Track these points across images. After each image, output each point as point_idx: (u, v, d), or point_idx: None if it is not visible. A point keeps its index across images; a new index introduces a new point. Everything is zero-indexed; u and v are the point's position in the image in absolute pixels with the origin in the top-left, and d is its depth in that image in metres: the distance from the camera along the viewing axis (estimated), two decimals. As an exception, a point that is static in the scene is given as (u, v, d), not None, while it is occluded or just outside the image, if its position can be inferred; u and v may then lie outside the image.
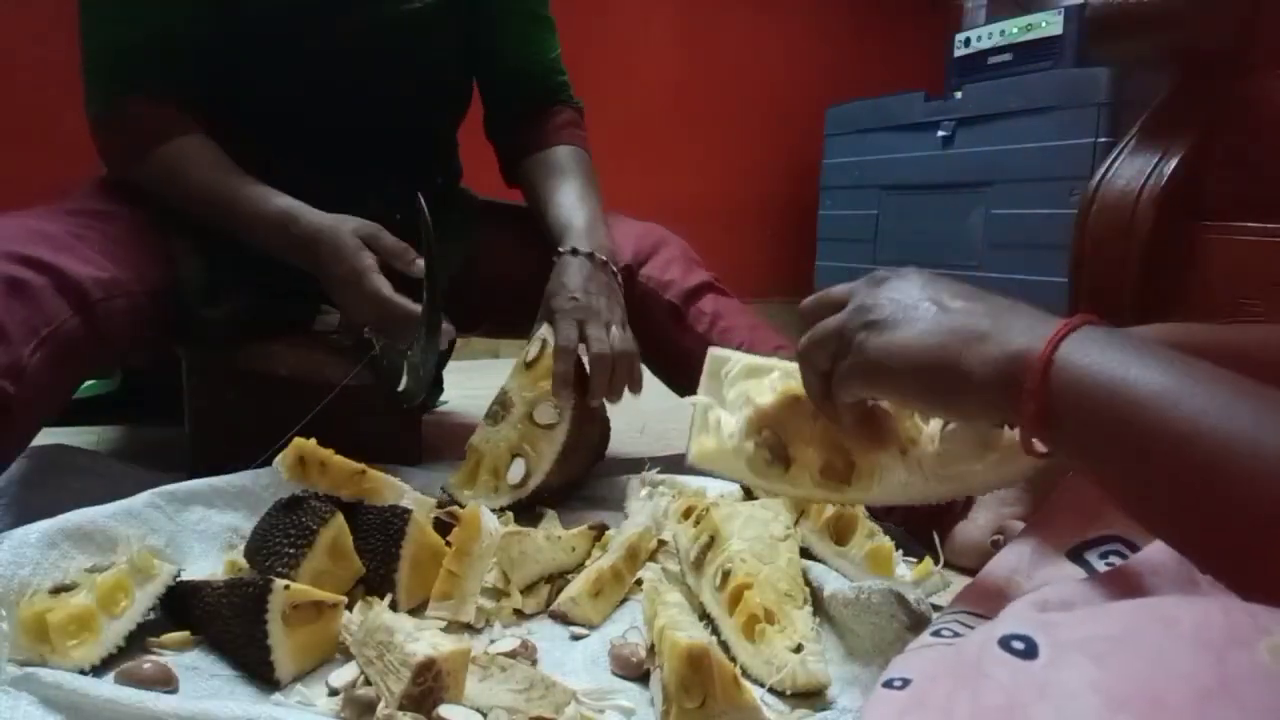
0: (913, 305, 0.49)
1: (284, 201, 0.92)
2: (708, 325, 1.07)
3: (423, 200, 0.87)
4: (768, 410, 0.58)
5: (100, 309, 0.83)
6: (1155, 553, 0.47)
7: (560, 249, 0.99)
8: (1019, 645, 0.32)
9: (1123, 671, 0.29)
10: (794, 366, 0.62)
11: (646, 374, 1.15)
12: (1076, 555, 0.53)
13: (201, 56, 0.97)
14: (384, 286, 0.87)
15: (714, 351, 0.67)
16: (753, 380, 0.63)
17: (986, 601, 0.52)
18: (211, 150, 0.96)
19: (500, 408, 0.94)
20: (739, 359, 0.67)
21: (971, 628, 0.47)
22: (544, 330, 0.95)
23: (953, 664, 0.36)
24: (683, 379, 1.12)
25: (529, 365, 0.94)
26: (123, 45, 0.94)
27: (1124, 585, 0.43)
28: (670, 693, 0.53)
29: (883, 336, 0.49)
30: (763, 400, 0.58)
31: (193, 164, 0.94)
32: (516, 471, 0.89)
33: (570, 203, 1.05)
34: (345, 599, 0.64)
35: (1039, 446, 0.44)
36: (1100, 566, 0.51)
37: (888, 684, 0.39)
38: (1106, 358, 0.40)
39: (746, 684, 0.54)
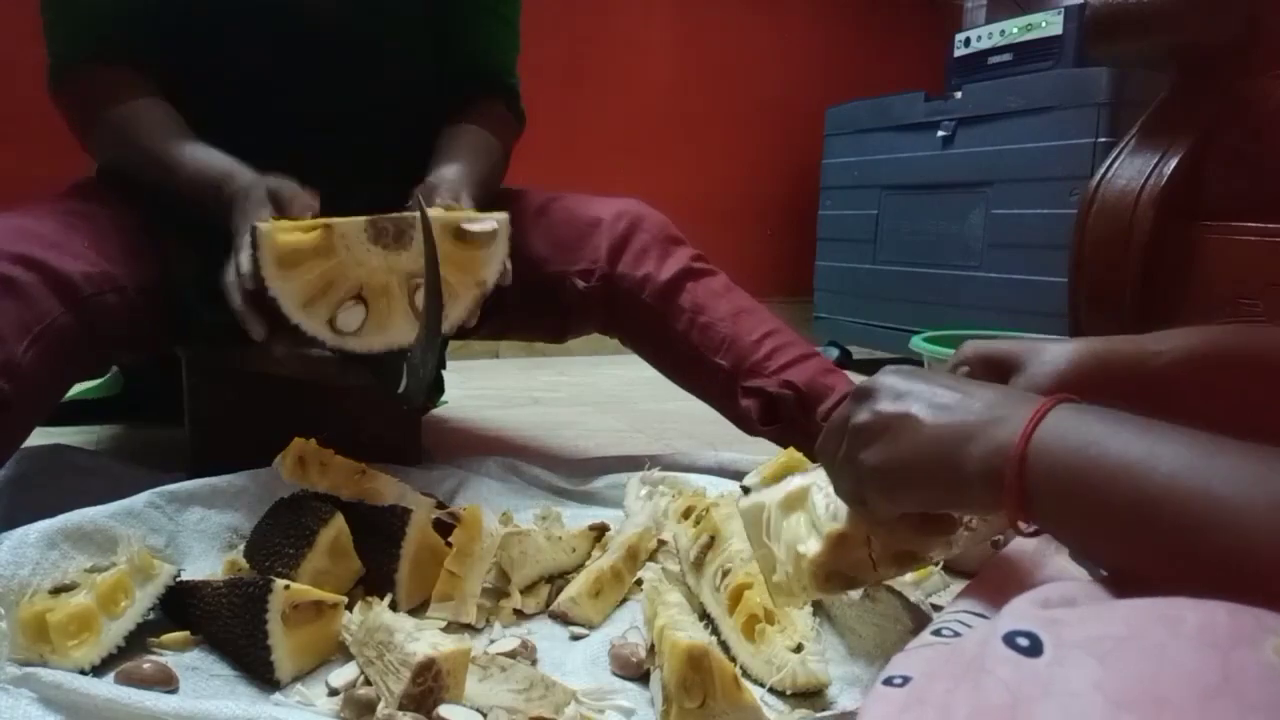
0: (900, 414, 0.49)
1: (226, 163, 0.88)
2: (688, 323, 1.05)
3: (421, 198, 0.87)
4: (824, 560, 0.57)
5: (91, 304, 0.83)
6: None
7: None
8: (1024, 642, 0.32)
9: (1127, 671, 0.29)
10: (816, 476, 0.60)
11: (644, 374, 1.15)
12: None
13: (172, 40, 0.96)
14: (240, 263, 0.80)
15: (742, 504, 0.63)
16: (793, 517, 0.60)
17: (988, 600, 0.52)
18: (163, 111, 0.94)
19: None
20: (769, 503, 0.62)
21: (972, 627, 0.47)
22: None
23: (953, 661, 0.36)
24: (670, 367, 1.11)
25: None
26: (83, 13, 0.94)
27: (1127, 585, 0.43)
28: (670, 693, 0.53)
29: (880, 455, 0.49)
30: (812, 551, 0.57)
31: (141, 125, 0.93)
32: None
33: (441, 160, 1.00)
34: (345, 599, 0.64)
35: (1028, 528, 0.45)
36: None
37: (887, 681, 0.39)
38: (1078, 438, 0.41)
39: (746, 684, 0.54)
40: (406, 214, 0.82)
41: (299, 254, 0.78)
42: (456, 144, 1.03)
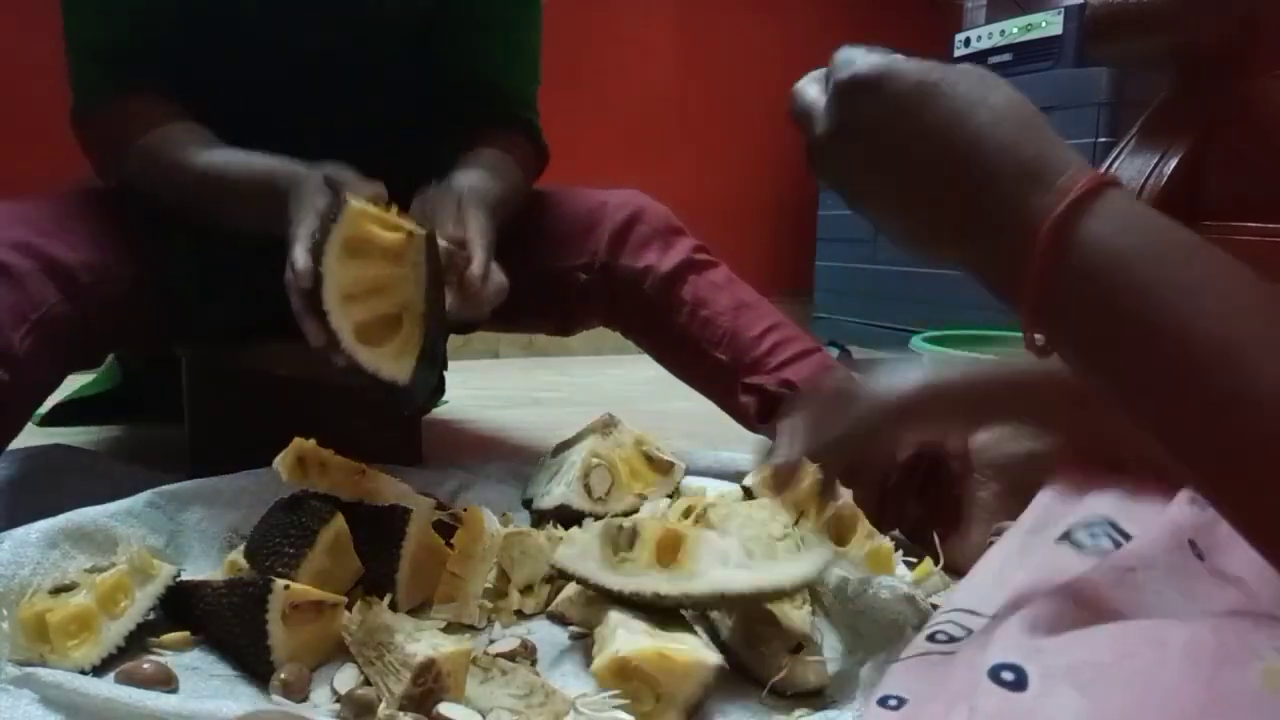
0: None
1: (273, 160, 0.84)
2: (688, 316, 1.03)
3: (426, 213, 0.86)
4: None
5: (89, 293, 0.83)
6: (1145, 545, 0.47)
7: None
8: (1009, 676, 0.32)
9: (1109, 700, 0.29)
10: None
11: (644, 374, 1.15)
12: (1066, 537, 0.53)
13: (183, 57, 0.95)
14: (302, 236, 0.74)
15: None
16: None
17: (982, 596, 0.52)
18: (196, 131, 0.91)
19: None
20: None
21: (968, 627, 0.47)
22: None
23: (945, 685, 0.36)
24: (670, 360, 1.10)
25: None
26: (109, 44, 0.92)
27: (1115, 583, 0.43)
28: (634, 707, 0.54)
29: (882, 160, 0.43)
30: None
31: (175, 145, 0.89)
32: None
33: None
34: (345, 599, 0.64)
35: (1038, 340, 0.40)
36: (1088, 542, 0.51)
37: (882, 702, 0.40)
38: (1123, 245, 0.36)
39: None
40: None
41: (369, 247, 0.71)
42: (470, 162, 0.97)
